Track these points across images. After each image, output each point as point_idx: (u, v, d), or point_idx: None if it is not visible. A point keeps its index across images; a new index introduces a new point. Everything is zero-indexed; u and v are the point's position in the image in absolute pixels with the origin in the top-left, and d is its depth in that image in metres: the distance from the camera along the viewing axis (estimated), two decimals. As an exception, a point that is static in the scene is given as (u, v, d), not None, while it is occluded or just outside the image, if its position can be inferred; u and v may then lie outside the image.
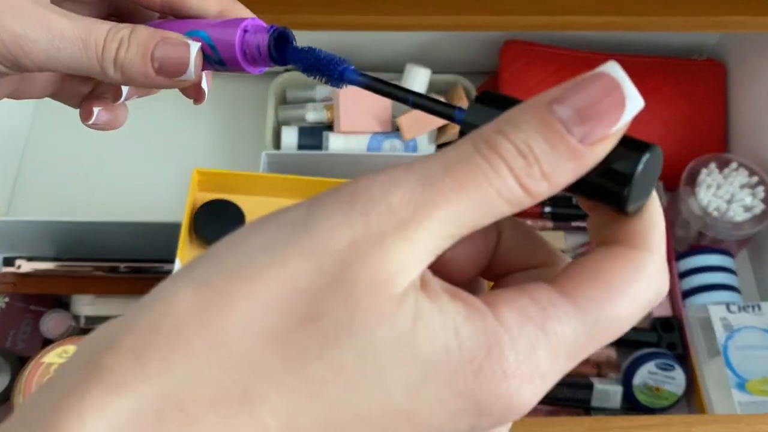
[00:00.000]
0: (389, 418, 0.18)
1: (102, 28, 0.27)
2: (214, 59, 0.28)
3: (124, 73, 0.27)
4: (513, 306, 0.18)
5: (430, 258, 0.18)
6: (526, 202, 0.18)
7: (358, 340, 0.17)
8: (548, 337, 0.18)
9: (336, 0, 0.75)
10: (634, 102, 0.18)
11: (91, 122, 0.32)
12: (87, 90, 0.33)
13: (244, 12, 0.30)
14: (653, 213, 0.20)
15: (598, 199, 0.19)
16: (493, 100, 0.20)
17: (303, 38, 0.98)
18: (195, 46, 0.27)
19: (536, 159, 0.17)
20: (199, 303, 0.17)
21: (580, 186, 0.18)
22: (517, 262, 0.22)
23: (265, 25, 0.28)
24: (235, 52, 0.27)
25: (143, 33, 0.27)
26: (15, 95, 0.32)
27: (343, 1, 0.75)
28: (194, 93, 0.31)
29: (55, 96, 0.33)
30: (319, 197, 0.19)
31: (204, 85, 0.31)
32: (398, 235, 0.17)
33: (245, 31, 0.28)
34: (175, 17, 0.30)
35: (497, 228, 0.22)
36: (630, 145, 0.19)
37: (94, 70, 0.28)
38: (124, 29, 0.28)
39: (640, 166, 0.18)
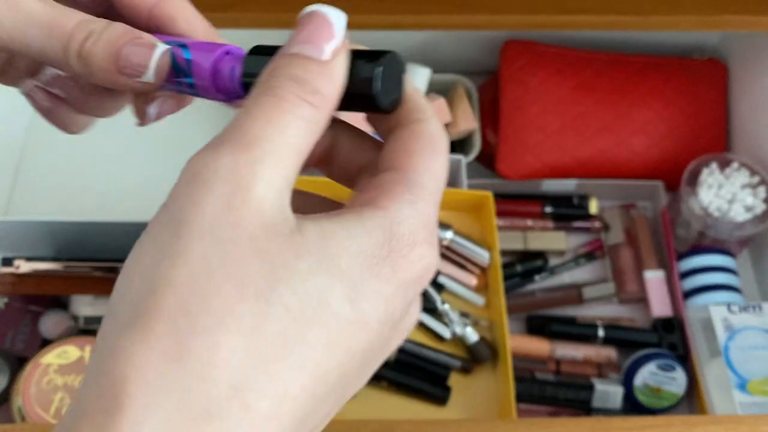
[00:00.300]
0: (347, 333, 0.20)
1: (74, 17, 0.27)
2: (184, 72, 0.27)
3: (86, 66, 0.26)
4: (381, 196, 0.23)
5: (289, 187, 0.22)
6: (319, 115, 0.22)
7: (288, 283, 0.20)
8: (415, 204, 0.23)
9: (335, 0, 0.75)
10: (338, 19, 0.23)
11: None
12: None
13: (183, 12, 0.29)
14: (416, 98, 0.25)
15: (362, 107, 0.25)
16: (260, 52, 0.25)
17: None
18: (161, 48, 0.27)
19: (304, 80, 0.22)
20: (149, 337, 0.19)
21: (349, 102, 0.24)
22: (360, 161, 0.28)
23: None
24: (208, 71, 0.27)
25: (117, 28, 0.27)
26: None
27: (342, 0, 0.75)
28: (140, 111, 0.31)
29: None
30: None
31: (152, 109, 0.30)
32: (250, 189, 0.21)
33: (227, 53, 0.27)
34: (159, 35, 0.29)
35: (332, 141, 0.28)
36: (370, 57, 0.24)
37: (57, 58, 0.27)
38: (98, 22, 0.27)
39: (380, 68, 0.23)
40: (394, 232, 0.22)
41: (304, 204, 0.25)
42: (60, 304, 0.80)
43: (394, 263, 0.21)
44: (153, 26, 0.29)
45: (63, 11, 0.27)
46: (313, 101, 0.22)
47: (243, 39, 1.08)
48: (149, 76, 0.27)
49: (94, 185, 0.93)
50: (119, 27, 0.27)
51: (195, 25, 0.29)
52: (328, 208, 0.24)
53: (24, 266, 0.78)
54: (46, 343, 0.76)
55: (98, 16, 0.29)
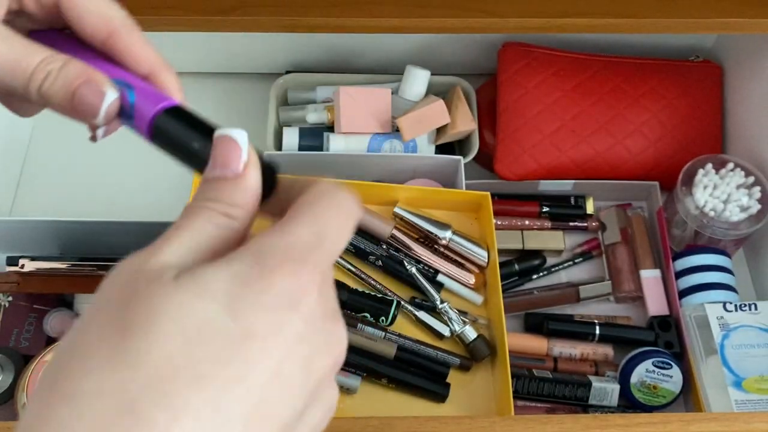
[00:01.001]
0: (238, 347, 0.22)
1: (35, 57, 0.29)
2: (127, 115, 0.30)
3: (47, 102, 0.29)
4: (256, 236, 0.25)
5: (187, 261, 0.24)
6: (237, 222, 0.26)
7: (167, 315, 0.22)
8: (283, 230, 0.25)
9: (335, 2, 0.75)
10: (241, 137, 0.27)
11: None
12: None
13: (172, 81, 0.32)
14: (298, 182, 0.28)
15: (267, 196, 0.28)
16: (175, 114, 0.29)
17: (302, 40, 0.99)
18: (111, 97, 0.29)
19: (218, 199, 0.26)
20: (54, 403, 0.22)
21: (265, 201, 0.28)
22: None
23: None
24: (146, 121, 0.29)
25: (72, 70, 0.29)
26: None
27: (343, 4, 0.75)
28: (92, 131, 0.33)
29: None
30: None
31: (100, 132, 0.32)
32: (153, 258, 0.24)
33: (164, 110, 0.29)
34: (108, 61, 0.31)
35: None
36: (264, 159, 0.28)
37: (18, 90, 0.29)
38: (56, 62, 0.29)
39: (277, 165, 0.29)
40: (263, 252, 0.24)
41: None
42: (64, 302, 0.81)
43: (264, 278, 0.23)
44: (107, 50, 0.31)
45: (25, 51, 0.29)
46: (230, 213, 0.26)
47: (244, 42, 1.09)
48: (99, 119, 0.29)
49: (99, 185, 0.94)
50: (73, 68, 0.29)
51: (143, 60, 0.31)
52: None
53: (29, 265, 0.79)
54: (50, 341, 0.77)
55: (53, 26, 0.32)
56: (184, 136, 0.28)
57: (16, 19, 0.32)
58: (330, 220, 0.26)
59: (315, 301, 0.24)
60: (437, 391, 0.72)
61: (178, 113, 0.29)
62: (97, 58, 0.31)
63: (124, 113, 0.30)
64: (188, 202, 0.26)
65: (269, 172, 0.28)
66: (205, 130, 0.28)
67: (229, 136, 0.27)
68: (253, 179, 0.27)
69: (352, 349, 0.71)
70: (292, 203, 0.26)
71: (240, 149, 0.27)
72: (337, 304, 0.26)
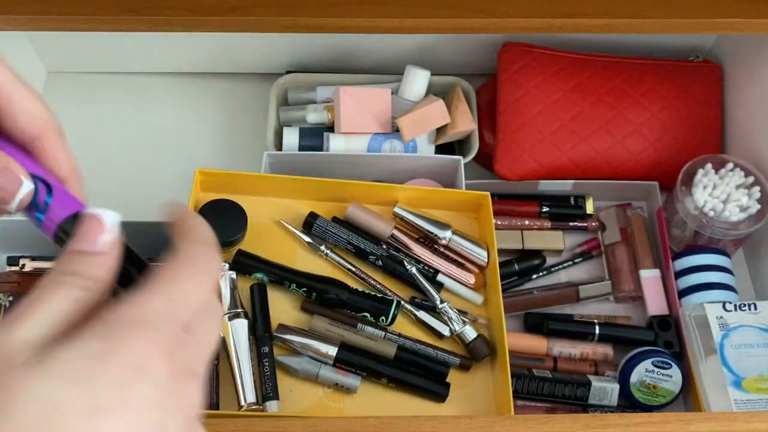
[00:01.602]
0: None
1: None
2: (38, 208, 0.30)
3: None
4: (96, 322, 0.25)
5: (46, 338, 0.25)
6: (91, 294, 0.27)
7: (19, 395, 0.23)
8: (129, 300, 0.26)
9: (335, 2, 0.75)
10: (110, 218, 0.29)
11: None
12: None
13: (80, 190, 0.34)
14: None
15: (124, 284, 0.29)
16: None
17: (302, 40, 0.99)
18: (27, 188, 0.30)
19: (74, 272, 0.27)
20: None
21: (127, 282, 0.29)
22: None
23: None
24: (52, 225, 0.30)
25: None
26: None
27: (343, 3, 0.75)
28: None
29: None
30: None
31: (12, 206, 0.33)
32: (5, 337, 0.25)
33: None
34: None
35: None
36: (130, 257, 0.30)
37: None
38: None
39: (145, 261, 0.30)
40: (111, 324, 0.25)
41: None
42: (64, 302, 0.81)
43: (109, 351, 0.24)
44: (28, 151, 0.32)
45: None
46: (85, 285, 0.27)
47: (245, 42, 1.09)
48: (11, 207, 0.30)
49: (98, 185, 0.94)
50: None
51: (65, 165, 0.33)
52: None
53: (29, 265, 0.79)
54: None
55: None
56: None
57: None
58: (183, 284, 0.27)
59: (164, 365, 0.25)
60: (437, 391, 0.72)
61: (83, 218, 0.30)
62: (19, 152, 0.32)
63: (36, 207, 0.30)
64: (45, 276, 0.27)
65: (135, 260, 0.30)
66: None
67: (95, 215, 0.29)
68: (114, 257, 0.28)
69: (352, 349, 0.72)
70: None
71: (104, 227, 0.28)
72: (199, 361, 0.27)
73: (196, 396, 0.27)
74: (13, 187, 0.29)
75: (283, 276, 0.74)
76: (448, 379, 0.73)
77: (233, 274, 0.72)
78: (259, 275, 0.74)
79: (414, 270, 0.78)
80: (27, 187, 0.30)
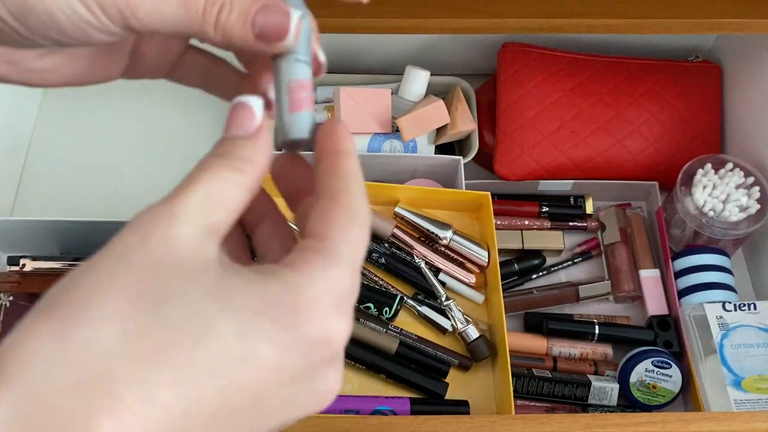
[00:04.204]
0: (232, 366, 0.22)
1: None
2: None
3: (225, 37, 0.28)
4: (298, 260, 0.25)
5: (212, 232, 0.24)
6: (247, 177, 0.26)
7: (178, 302, 0.22)
8: (327, 271, 0.24)
9: (335, 2, 0.75)
10: (256, 103, 0.28)
11: None
12: (197, 79, 0.35)
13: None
14: (342, 167, 0.28)
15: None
16: None
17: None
18: (296, 14, 0.28)
19: (228, 154, 0.27)
20: (47, 318, 0.22)
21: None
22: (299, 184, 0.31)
23: None
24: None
25: None
26: (128, 74, 0.34)
27: (343, 3, 0.75)
28: (315, 67, 0.32)
29: (170, 76, 0.35)
30: None
31: (321, 55, 0.33)
32: (171, 224, 0.24)
33: None
34: None
35: None
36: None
37: (195, 31, 0.28)
38: None
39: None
40: (300, 292, 0.24)
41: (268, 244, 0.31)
42: (65, 302, 0.81)
43: (295, 318, 0.23)
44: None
45: None
46: (241, 167, 0.26)
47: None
48: (290, 38, 0.28)
49: (99, 185, 0.94)
50: None
51: None
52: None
53: (29, 265, 0.79)
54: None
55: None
56: None
57: None
58: (359, 263, 0.26)
59: (331, 352, 0.24)
60: (434, 390, 0.72)
61: None
62: None
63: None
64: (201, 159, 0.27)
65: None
66: None
67: (244, 102, 0.28)
68: (264, 139, 0.27)
69: (354, 341, 0.72)
70: (312, 208, 0.27)
71: (253, 113, 0.28)
72: (342, 346, 0.26)
73: (336, 384, 0.26)
74: (282, 19, 0.28)
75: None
76: (448, 379, 0.73)
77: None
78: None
79: (423, 264, 0.78)
80: (296, 14, 0.28)
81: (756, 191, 0.84)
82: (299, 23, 0.28)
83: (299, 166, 0.31)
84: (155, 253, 0.23)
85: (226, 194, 0.25)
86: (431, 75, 0.90)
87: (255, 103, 0.28)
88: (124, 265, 0.23)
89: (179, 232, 0.23)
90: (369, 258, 0.79)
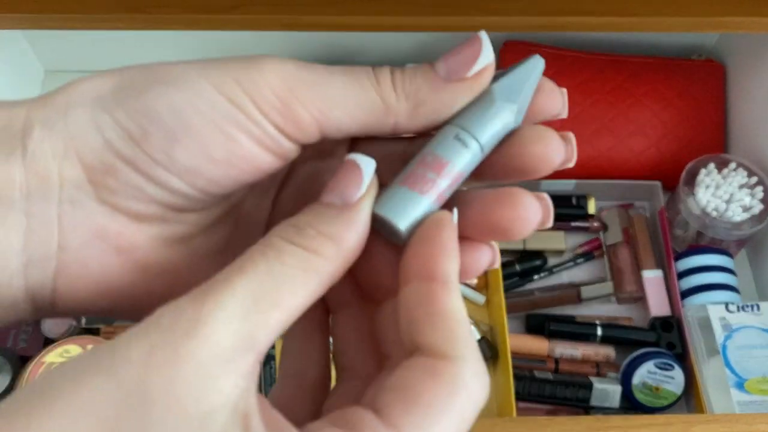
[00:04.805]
0: None
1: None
2: None
3: (415, 111, 0.24)
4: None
5: (240, 353, 0.17)
6: (327, 263, 0.19)
7: None
8: None
9: (335, 0, 0.75)
10: (366, 166, 0.22)
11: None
12: None
13: None
14: (453, 310, 0.20)
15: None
16: None
17: (302, 38, 0.98)
18: (487, 47, 0.25)
19: (315, 221, 0.20)
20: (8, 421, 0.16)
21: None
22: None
23: None
24: None
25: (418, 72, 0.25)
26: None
27: (343, 2, 0.75)
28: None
29: None
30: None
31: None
32: (189, 335, 0.17)
33: None
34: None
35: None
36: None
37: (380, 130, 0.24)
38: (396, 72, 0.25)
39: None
40: None
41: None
42: (62, 303, 0.80)
43: None
44: None
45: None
46: (317, 248, 0.19)
47: (247, 40, 1.08)
48: (487, 55, 0.25)
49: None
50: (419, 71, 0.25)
51: None
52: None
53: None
54: (48, 342, 0.77)
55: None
56: None
57: None
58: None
59: None
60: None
61: None
62: None
63: None
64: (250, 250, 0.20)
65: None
66: None
67: (354, 161, 0.22)
68: (363, 212, 0.21)
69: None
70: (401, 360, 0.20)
71: (361, 176, 0.21)
72: None
73: None
74: (475, 49, 0.25)
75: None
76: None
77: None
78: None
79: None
80: (487, 48, 0.24)
81: (759, 191, 0.83)
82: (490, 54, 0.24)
83: (381, 254, 0.23)
84: (155, 380, 0.16)
85: (285, 290, 0.18)
86: (432, 74, 0.89)
87: (366, 164, 0.21)
88: (111, 386, 0.16)
89: (197, 355, 0.17)
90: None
